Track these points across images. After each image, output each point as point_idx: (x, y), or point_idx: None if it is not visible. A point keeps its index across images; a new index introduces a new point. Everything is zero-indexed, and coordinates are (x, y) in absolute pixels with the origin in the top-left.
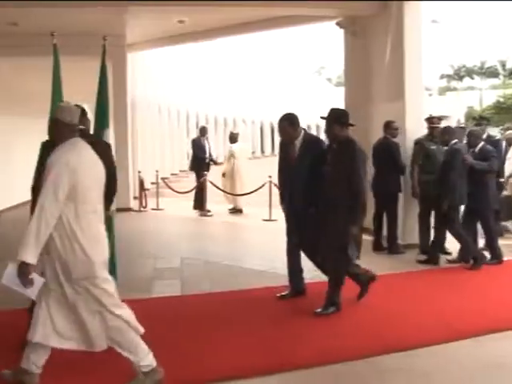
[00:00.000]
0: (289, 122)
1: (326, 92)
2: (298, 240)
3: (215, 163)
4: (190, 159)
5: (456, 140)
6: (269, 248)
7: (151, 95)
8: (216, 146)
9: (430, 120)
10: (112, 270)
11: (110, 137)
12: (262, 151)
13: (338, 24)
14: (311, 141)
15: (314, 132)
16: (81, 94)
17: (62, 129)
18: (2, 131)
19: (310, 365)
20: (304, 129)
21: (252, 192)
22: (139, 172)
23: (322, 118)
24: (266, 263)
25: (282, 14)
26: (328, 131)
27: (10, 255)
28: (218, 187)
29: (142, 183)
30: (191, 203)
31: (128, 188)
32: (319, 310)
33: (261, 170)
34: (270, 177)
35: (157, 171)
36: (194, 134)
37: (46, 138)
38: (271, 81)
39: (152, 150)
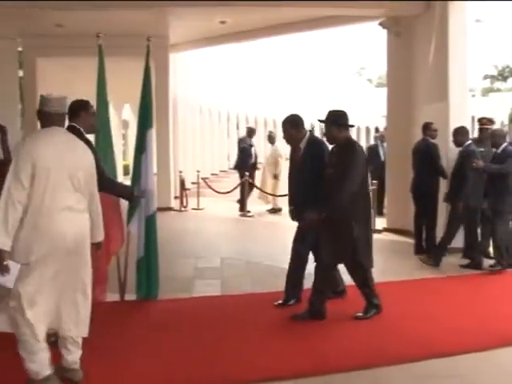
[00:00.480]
0: (291, 124)
1: (366, 93)
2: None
3: (254, 167)
4: (235, 159)
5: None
6: None
7: (192, 96)
8: (257, 147)
9: (481, 121)
10: (154, 269)
11: (153, 137)
12: None
13: (380, 24)
14: (314, 143)
15: (354, 134)
16: (124, 94)
17: (40, 118)
18: None
19: (352, 368)
20: (310, 130)
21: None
22: (180, 172)
23: (319, 120)
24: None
25: (325, 14)
26: (326, 134)
27: None
28: (257, 187)
29: (182, 183)
30: (231, 203)
31: (169, 188)
32: (360, 314)
33: None
34: None
35: (198, 171)
36: (235, 134)
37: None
38: (311, 81)
39: (193, 150)
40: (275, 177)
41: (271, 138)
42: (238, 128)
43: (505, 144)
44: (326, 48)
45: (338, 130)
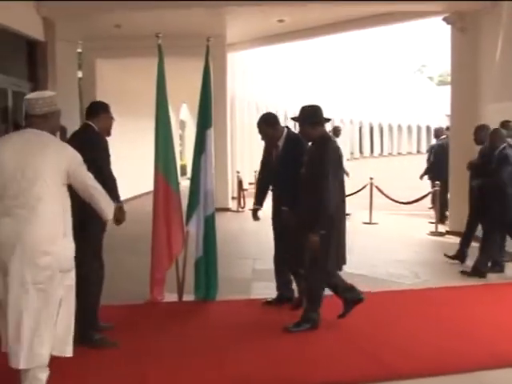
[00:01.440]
0: (266, 124)
1: (427, 91)
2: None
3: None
4: None
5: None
6: (370, 252)
7: (249, 95)
8: None
9: None
10: (212, 270)
11: (212, 137)
12: (361, 152)
13: (444, 20)
14: (292, 140)
15: (415, 133)
16: (181, 94)
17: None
18: (114, 130)
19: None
20: (287, 127)
21: (353, 194)
22: (238, 172)
23: (292, 119)
24: (367, 268)
25: (386, 10)
26: (300, 132)
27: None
28: None
29: (240, 183)
30: None
31: (227, 188)
32: (291, 326)
33: (360, 172)
34: (371, 178)
35: (255, 172)
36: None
37: (151, 136)
38: (370, 80)
39: (250, 150)
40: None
41: (337, 131)
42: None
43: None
44: (386, 45)
45: (311, 128)
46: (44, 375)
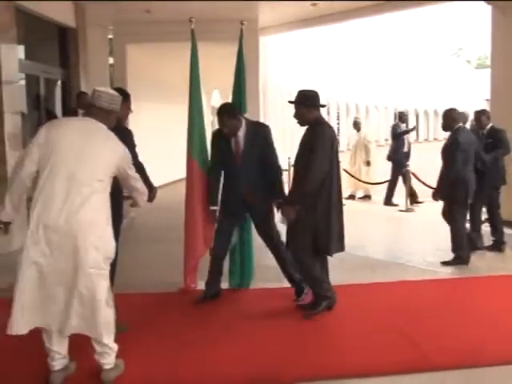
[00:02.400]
0: (228, 115)
1: (465, 75)
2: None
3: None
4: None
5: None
6: (406, 240)
7: (282, 81)
8: (348, 133)
9: None
10: (247, 258)
11: None
12: None
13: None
14: (256, 126)
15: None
16: (212, 79)
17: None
18: (144, 116)
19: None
20: (244, 116)
21: (388, 181)
22: None
23: (289, 102)
24: (403, 256)
25: None
26: (296, 115)
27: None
28: (350, 174)
29: None
30: None
31: None
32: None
33: None
34: (407, 166)
35: (289, 158)
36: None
37: (182, 123)
38: (406, 65)
39: (283, 138)
40: (368, 163)
41: (357, 124)
42: (328, 114)
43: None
44: (422, 29)
45: (307, 111)
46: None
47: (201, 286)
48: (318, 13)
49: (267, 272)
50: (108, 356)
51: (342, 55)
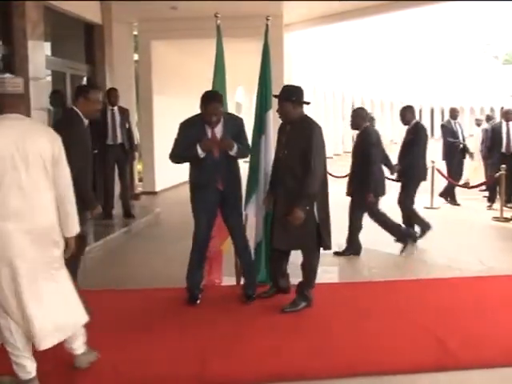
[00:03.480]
0: (220, 103)
1: (492, 71)
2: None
3: (467, 152)
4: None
5: None
6: (432, 238)
7: (306, 76)
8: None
9: None
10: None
11: (271, 119)
12: None
13: None
14: (232, 118)
15: (478, 114)
16: (237, 76)
17: None
18: (168, 112)
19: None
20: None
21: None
22: None
23: (274, 96)
24: (429, 254)
25: None
26: (280, 110)
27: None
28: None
29: None
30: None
31: None
32: (287, 306)
33: None
34: (432, 162)
35: None
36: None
37: None
38: (431, 60)
39: None
40: None
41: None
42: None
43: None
44: (448, 23)
45: (292, 106)
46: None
47: (226, 281)
48: (343, 8)
49: (292, 268)
50: None
51: (367, 51)
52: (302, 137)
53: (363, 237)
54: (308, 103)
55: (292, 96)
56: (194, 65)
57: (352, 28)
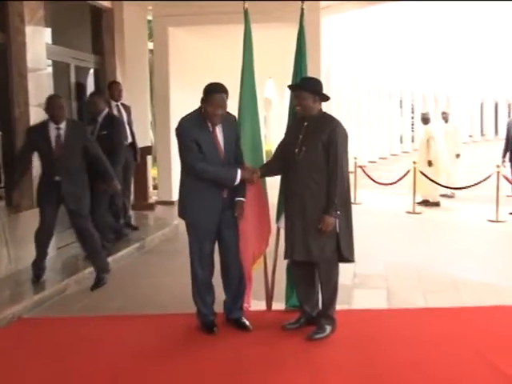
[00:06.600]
0: (227, 95)
1: None
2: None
3: None
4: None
5: None
6: (497, 257)
7: (348, 67)
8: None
9: None
10: None
11: None
12: (482, 134)
13: None
14: (228, 116)
15: None
16: (266, 67)
17: None
18: (188, 110)
19: None
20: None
21: (474, 185)
22: None
23: (289, 87)
24: (495, 275)
25: None
26: (299, 102)
27: None
28: (427, 177)
29: None
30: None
31: None
32: (312, 333)
33: (482, 158)
34: (497, 166)
35: (355, 158)
36: (398, 113)
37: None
38: (494, 49)
39: (349, 130)
40: (429, 163)
41: (425, 120)
42: (401, 106)
43: None
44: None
45: (313, 100)
46: None
47: (255, 306)
48: None
49: None
50: None
51: (419, 39)
52: (323, 132)
53: (418, 254)
54: (329, 98)
55: (313, 87)
56: (218, 55)
57: (402, 10)
